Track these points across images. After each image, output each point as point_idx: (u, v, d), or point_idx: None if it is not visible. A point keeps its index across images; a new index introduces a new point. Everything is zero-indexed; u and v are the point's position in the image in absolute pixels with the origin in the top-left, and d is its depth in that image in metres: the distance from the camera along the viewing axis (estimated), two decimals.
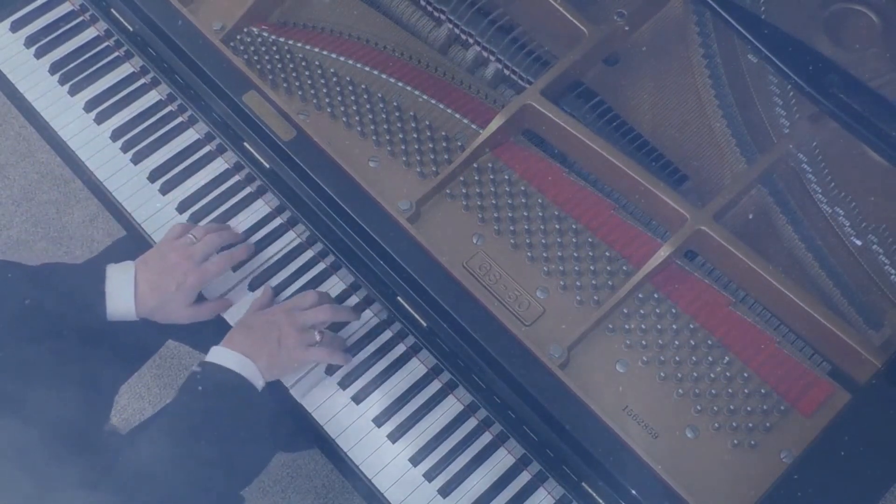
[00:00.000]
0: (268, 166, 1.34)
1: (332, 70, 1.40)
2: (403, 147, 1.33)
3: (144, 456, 1.17)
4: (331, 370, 1.33)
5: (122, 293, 1.28)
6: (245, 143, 1.35)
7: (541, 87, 1.29)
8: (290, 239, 1.41)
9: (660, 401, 1.17)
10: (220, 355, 1.25)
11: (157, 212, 1.44)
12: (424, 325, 1.25)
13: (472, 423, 1.30)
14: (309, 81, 1.39)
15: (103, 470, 1.14)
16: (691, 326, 1.20)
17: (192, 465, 1.18)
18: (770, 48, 1.16)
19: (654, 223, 1.27)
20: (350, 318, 1.35)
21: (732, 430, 1.15)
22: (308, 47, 1.42)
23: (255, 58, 1.41)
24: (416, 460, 1.28)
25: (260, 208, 1.43)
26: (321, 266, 1.39)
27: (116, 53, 1.55)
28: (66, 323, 1.27)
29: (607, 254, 1.25)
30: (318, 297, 1.33)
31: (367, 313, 1.36)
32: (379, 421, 1.30)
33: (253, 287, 1.38)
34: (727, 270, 1.23)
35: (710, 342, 1.19)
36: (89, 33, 1.58)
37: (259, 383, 1.25)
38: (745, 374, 1.17)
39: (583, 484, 1.15)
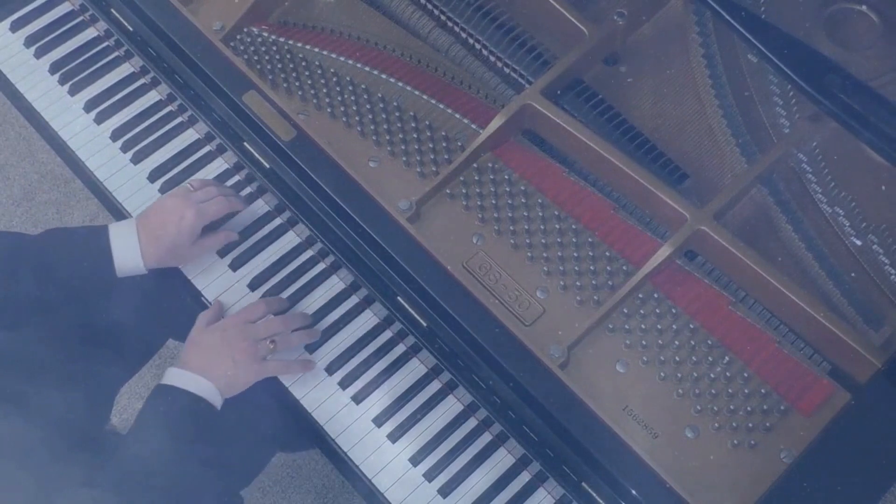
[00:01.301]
0: (268, 166, 1.34)
1: (332, 70, 1.39)
2: (403, 147, 1.33)
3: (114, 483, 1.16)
4: (331, 369, 1.33)
5: (127, 247, 1.29)
6: (245, 143, 1.35)
7: (541, 86, 1.29)
8: (290, 239, 1.41)
9: (660, 401, 1.17)
10: (176, 377, 1.24)
11: None
12: (424, 325, 1.25)
13: (472, 423, 1.30)
14: (309, 81, 1.39)
15: (103, 469, 1.14)
16: (691, 326, 1.20)
17: (159, 486, 1.17)
18: (770, 48, 1.16)
19: (654, 223, 1.27)
20: (300, 323, 1.33)
21: (732, 430, 1.15)
22: (308, 47, 1.42)
23: (255, 58, 1.41)
24: (416, 460, 1.28)
25: (260, 208, 1.43)
26: (321, 266, 1.39)
27: (116, 53, 1.55)
28: (76, 287, 1.28)
29: (607, 254, 1.25)
30: (267, 305, 1.32)
31: (367, 313, 1.36)
32: (379, 421, 1.30)
33: (253, 287, 1.38)
34: (727, 270, 1.23)
35: (710, 342, 1.19)
36: (89, 33, 1.58)
37: (217, 402, 1.24)
38: (745, 374, 1.17)
39: (583, 484, 1.15)
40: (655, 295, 1.22)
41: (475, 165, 1.31)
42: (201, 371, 1.23)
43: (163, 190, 1.45)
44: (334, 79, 1.39)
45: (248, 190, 1.44)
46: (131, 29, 1.45)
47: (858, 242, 1.23)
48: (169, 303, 1.47)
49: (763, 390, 1.16)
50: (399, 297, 1.25)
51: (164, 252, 1.31)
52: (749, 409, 1.15)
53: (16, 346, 1.24)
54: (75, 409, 1.22)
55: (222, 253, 1.40)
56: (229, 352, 1.25)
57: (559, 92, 1.33)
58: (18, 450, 1.11)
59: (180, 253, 1.33)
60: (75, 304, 1.31)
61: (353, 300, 1.37)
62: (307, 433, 1.33)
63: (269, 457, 1.57)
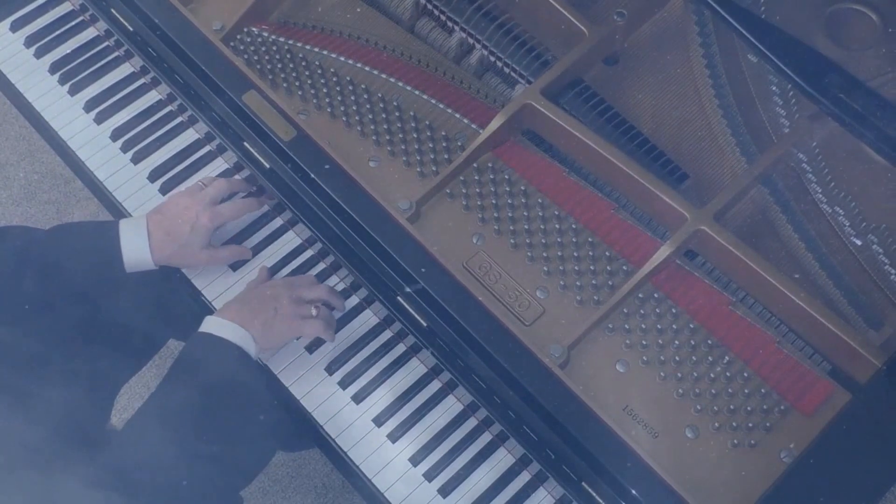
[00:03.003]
0: (268, 166, 1.34)
1: (332, 70, 1.40)
2: (403, 147, 1.33)
3: (145, 435, 1.17)
4: (331, 369, 1.33)
5: (137, 243, 1.29)
6: (245, 143, 1.35)
7: (541, 86, 1.30)
8: (290, 239, 1.41)
9: (660, 400, 1.17)
10: (213, 325, 1.24)
11: None
12: (424, 325, 1.25)
13: (472, 423, 1.30)
14: (309, 81, 1.39)
15: (102, 467, 1.14)
16: (691, 326, 1.20)
17: (191, 439, 1.17)
18: (770, 48, 1.16)
19: (654, 223, 1.27)
20: (340, 305, 1.35)
21: (732, 430, 1.15)
22: (308, 47, 1.42)
23: (255, 58, 1.41)
24: (416, 460, 1.28)
25: (260, 208, 1.43)
26: (321, 266, 1.39)
27: (116, 53, 1.55)
28: (85, 281, 1.28)
29: (607, 253, 1.25)
30: (315, 279, 1.35)
31: (367, 313, 1.36)
32: (379, 420, 1.30)
33: None
34: (727, 270, 1.23)
35: (710, 342, 1.19)
36: (89, 33, 1.58)
37: (252, 351, 1.25)
38: (745, 374, 1.17)
39: (583, 484, 1.15)
40: (655, 295, 1.22)
41: (475, 165, 1.31)
42: (240, 320, 1.24)
43: (163, 190, 1.45)
44: (334, 79, 1.39)
45: (248, 190, 1.44)
46: (131, 29, 1.45)
47: (858, 242, 1.23)
48: (172, 302, 1.47)
49: (763, 390, 1.16)
50: (399, 297, 1.25)
51: (174, 250, 1.31)
52: (749, 408, 1.15)
53: (19, 342, 1.24)
54: (76, 406, 1.22)
55: None
56: (273, 303, 1.26)
57: (559, 92, 1.33)
58: (18, 446, 1.11)
59: (190, 253, 1.33)
60: (84, 298, 1.31)
61: (353, 300, 1.37)
62: (307, 433, 1.33)
63: (270, 456, 1.57)
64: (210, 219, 1.31)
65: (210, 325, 1.25)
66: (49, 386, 1.21)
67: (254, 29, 1.44)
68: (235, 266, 1.39)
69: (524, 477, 1.26)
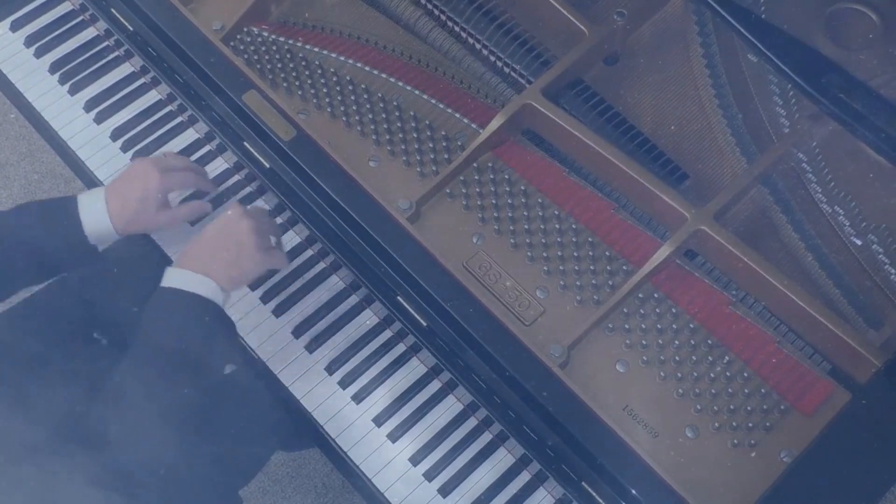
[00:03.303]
0: (268, 166, 1.34)
1: (331, 70, 1.40)
2: (403, 147, 1.33)
3: (122, 405, 1.14)
4: (331, 369, 1.33)
5: (95, 213, 1.30)
6: (245, 143, 1.35)
7: (541, 86, 1.29)
8: (291, 238, 1.41)
9: (660, 400, 1.17)
10: (175, 278, 1.21)
11: None
12: (424, 324, 1.25)
13: (472, 423, 1.30)
14: (309, 81, 1.39)
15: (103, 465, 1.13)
16: (691, 326, 1.20)
17: (169, 397, 1.15)
18: (770, 48, 1.16)
19: (654, 223, 1.27)
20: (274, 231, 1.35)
21: (732, 430, 1.15)
22: (308, 47, 1.42)
23: (255, 57, 1.41)
24: (416, 460, 1.28)
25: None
26: (321, 266, 1.39)
27: (116, 53, 1.55)
28: (50, 256, 1.29)
29: (607, 253, 1.25)
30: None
31: (367, 313, 1.36)
32: (379, 420, 1.30)
33: (253, 287, 1.38)
34: (727, 270, 1.23)
35: (710, 342, 1.19)
36: (89, 33, 1.58)
37: (221, 301, 1.22)
38: (745, 374, 1.17)
39: (583, 483, 1.15)
40: (655, 295, 1.22)
41: (475, 165, 1.31)
42: (201, 268, 1.21)
43: None
44: (334, 78, 1.39)
45: (248, 190, 1.44)
46: (131, 29, 1.45)
47: (858, 242, 1.23)
48: None
49: (763, 390, 1.16)
50: (399, 297, 1.25)
51: (130, 215, 1.31)
52: (749, 408, 1.15)
53: (16, 338, 1.25)
54: (77, 404, 1.22)
55: None
56: (235, 238, 1.24)
57: (559, 92, 1.33)
58: (15, 443, 1.11)
59: (147, 217, 1.32)
60: (53, 274, 1.33)
61: (353, 300, 1.37)
62: (307, 432, 1.33)
63: (269, 455, 1.57)
64: (160, 179, 1.31)
65: (173, 278, 1.21)
66: (49, 382, 1.21)
67: (254, 29, 1.44)
68: (196, 223, 1.41)
69: (524, 477, 1.26)
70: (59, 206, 1.31)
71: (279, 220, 1.42)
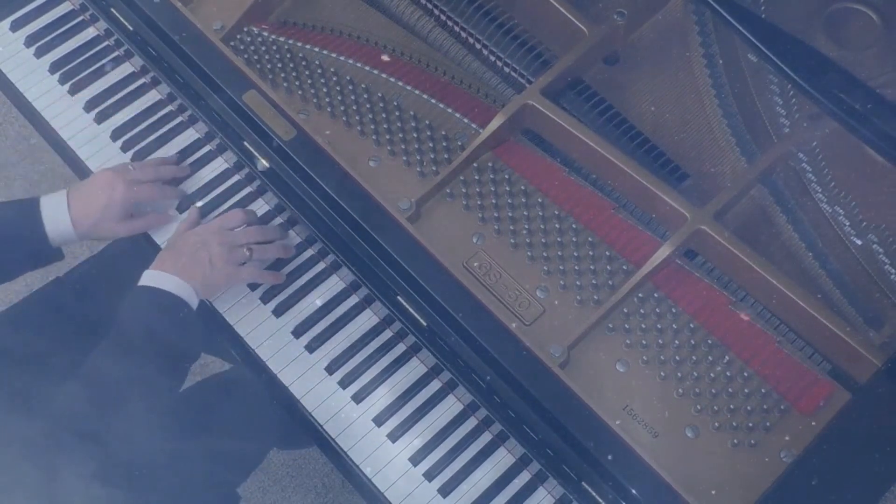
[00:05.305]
0: (268, 166, 1.34)
1: (332, 69, 1.40)
2: (403, 146, 1.33)
3: (94, 386, 1.18)
4: (331, 368, 1.33)
5: (57, 216, 1.31)
6: (245, 143, 1.35)
7: (541, 86, 1.29)
8: (290, 239, 1.41)
9: (660, 400, 1.17)
10: (155, 278, 1.26)
11: None
12: (424, 324, 1.25)
13: (472, 423, 1.30)
14: (309, 81, 1.39)
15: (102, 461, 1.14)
16: (691, 326, 1.20)
17: (138, 379, 1.19)
18: (770, 48, 1.16)
19: (654, 222, 1.27)
20: (276, 236, 1.37)
21: (732, 430, 1.15)
22: (308, 47, 1.42)
23: (255, 57, 1.41)
24: (416, 460, 1.28)
25: (260, 208, 1.43)
26: (321, 266, 1.39)
27: (116, 53, 1.55)
28: (12, 256, 1.32)
29: (607, 253, 1.25)
30: (245, 215, 1.36)
31: (367, 313, 1.36)
32: (379, 420, 1.30)
33: (253, 287, 1.38)
34: (727, 270, 1.23)
35: (710, 341, 1.19)
36: (89, 32, 1.58)
37: (194, 303, 1.26)
38: (745, 374, 1.17)
39: (583, 483, 1.15)
40: (655, 294, 1.22)
41: (475, 165, 1.31)
42: (179, 273, 1.26)
43: None
44: (334, 78, 1.39)
45: (248, 190, 1.44)
46: (131, 28, 1.45)
47: (858, 242, 1.23)
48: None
49: (763, 390, 1.16)
50: (399, 297, 1.25)
51: (92, 221, 1.33)
52: (749, 408, 1.15)
53: (13, 337, 1.25)
54: (77, 403, 1.22)
55: None
56: (206, 254, 1.28)
57: (559, 91, 1.33)
58: (15, 441, 1.11)
59: (108, 226, 1.35)
60: (17, 274, 1.35)
61: (353, 300, 1.37)
62: (307, 432, 1.33)
63: (265, 451, 1.57)
64: (124, 191, 1.33)
65: (151, 278, 1.26)
66: (49, 381, 1.22)
67: (254, 28, 1.44)
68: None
69: (524, 476, 1.26)
70: (21, 207, 1.33)
71: (279, 220, 1.42)
